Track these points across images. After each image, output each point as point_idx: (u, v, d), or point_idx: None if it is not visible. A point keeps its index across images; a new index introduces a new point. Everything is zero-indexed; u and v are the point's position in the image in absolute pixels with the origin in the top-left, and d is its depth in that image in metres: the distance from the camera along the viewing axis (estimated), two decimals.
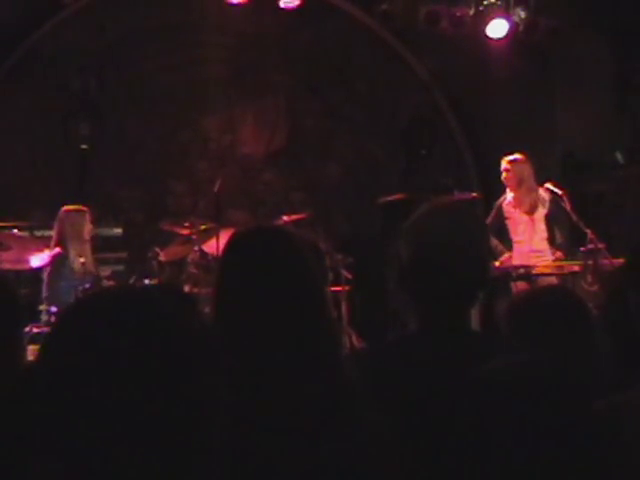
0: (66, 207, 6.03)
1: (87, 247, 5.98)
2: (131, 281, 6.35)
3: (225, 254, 1.81)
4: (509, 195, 6.35)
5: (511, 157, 6.33)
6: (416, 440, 1.80)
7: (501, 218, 6.34)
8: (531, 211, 6.28)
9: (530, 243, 6.27)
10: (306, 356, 1.64)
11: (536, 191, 6.28)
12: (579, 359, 2.29)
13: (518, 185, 6.27)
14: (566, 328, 2.39)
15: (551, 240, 6.27)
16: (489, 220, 6.33)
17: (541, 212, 6.27)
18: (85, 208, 6.08)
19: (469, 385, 1.65)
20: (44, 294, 5.76)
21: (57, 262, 5.82)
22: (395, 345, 2.09)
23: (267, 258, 1.73)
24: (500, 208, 6.37)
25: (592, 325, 2.45)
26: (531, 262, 6.15)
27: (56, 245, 5.89)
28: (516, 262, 6.19)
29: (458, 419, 1.64)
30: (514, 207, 6.31)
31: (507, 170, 6.30)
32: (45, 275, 5.82)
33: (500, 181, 6.50)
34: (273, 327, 1.65)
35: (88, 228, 6.01)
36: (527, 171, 6.30)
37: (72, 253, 5.84)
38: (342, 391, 1.65)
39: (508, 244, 6.31)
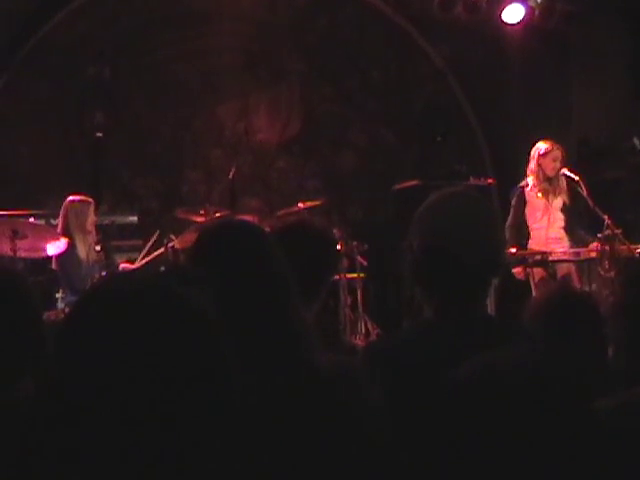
0: (71, 197, 6.07)
1: (90, 237, 6.02)
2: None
3: (191, 250, 1.84)
4: (531, 181, 6.28)
5: (552, 144, 6.23)
6: (429, 430, 1.80)
7: (524, 203, 6.29)
8: (555, 197, 6.24)
9: (548, 230, 6.24)
10: (269, 349, 1.64)
11: None
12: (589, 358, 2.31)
13: (559, 171, 6.21)
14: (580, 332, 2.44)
15: (567, 228, 6.25)
16: (515, 206, 6.29)
17: (559, 200, 6.25)
18: (89, 199, 6.10)
19: (455, 385, 1.67)
20: (62, 281, 5.82)
21: (67, 251, 5.86)
22: (410, 334, 2.09)
23: (229, 253, 1.74)
24: (522, 193, 6.31)
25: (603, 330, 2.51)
26: (549, 249, 6.13)
27: (62, 234, 5.93)
28: (534, 248, 6.18)
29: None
30: (536, 193, 6.25)
31: (557, 158, 6.20)
32: (56, 264, 5.85)
33: (515, 167, 6.47)
34: (237, 323, 1.65)
35: (91, 219, 6.04)
36: None
37: (78, 242, 5.89)
38: (308, 384, 1.65)
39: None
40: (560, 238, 6.25)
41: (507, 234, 6.21)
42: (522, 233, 6.27)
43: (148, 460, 1.03)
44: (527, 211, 6.31)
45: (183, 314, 1.09)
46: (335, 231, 6.49)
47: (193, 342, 1.07)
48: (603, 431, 1.65)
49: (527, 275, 6.04)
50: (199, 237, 1.86)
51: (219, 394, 1.08)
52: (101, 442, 1.03)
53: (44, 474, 1.27)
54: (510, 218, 6.28)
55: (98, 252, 5.94)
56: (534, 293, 5.92)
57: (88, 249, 5.90)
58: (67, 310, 5.46)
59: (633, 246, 5.67)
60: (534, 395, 1.63)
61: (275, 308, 1.71)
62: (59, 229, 5.98)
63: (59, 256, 5.84)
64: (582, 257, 6.03)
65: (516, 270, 6.08)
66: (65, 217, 5.98)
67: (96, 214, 6.18)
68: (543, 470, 1.62)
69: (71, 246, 5.87)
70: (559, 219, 6.27)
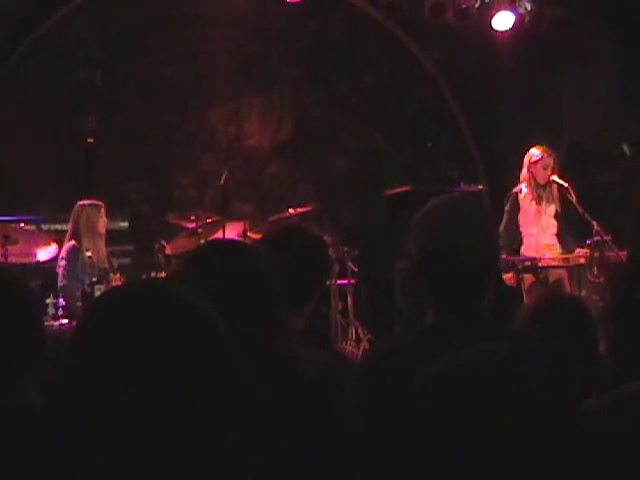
0: (81, 202, 6.07)
1: (100, 241, 6.01)
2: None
3: (183, 269, 1.90)
4: (524, 187, 6.29)
5: (544, 151, 6.21)
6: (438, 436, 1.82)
7: (517, 209, 6.29)
8: (548, 204, 6.25)
9: (539, 237, 6.26)
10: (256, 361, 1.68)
11: None
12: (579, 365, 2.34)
13: (550, 177, 6.20)
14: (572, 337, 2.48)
15: (560, 235, 6.26)
16: (508, 212, 6.29)
17: (553, 207, 6.26)
18: (100, 202, 6.10)
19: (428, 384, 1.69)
20: (60, 283, 5.80)
21: (72, 255, 5.86)
22: (411, 338, 2.11)
23: (220, 274, 1.80)
24: (516, 199, 6.31)
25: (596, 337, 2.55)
26: (541, 255, 6.14)
27: (70, 238, 5.93)
28: (526, 254, 6.20)
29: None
30: (531, 200, 6.26)
31: (548, 166, 6.16)
32: (61, 265, 5.85)
33: (506, 172, 6.48)
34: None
35: (103, 222, 6.04)
36: None
37: (85, 246, 5.88)
38: (292, 389, 1.69)
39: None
40: (552, 245, 6.26)
41: (500, 240, 6.21)
42: (515, 239, 6.28)
43: (157, 460, 1.05)
44: (520, 217, 6.31)
45: (195, 318, 1.11)
46: (326, 237, 6.49)
47: (204, 345, 1.09)
48: (583, 429, 1.68)
49: (519, 281, 6.05)
50: (187, 259, 1.92)
51: (229, 396, 1.10)
52: (110, 444, 1.05)
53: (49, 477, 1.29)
54: (503, 223, 6.29)
55: (90, 257, 5.89)
56: (525, 299, 5.94)
57: (94, 253, 5.86)
58: (61, 314, 5.47)
59: (622, 252, 5.68)
60: (502, 393, 1.65)
61: (264, 320, 1.75)
62: (69, 232, 5.98)
63: (66, 258, 5.83)
64: (571, 263, 6.04)
65: (507, 276, 6.10)
66: (75, 221, 5.97)
67: (107, 217, 6.16)
68: (520, 467, 1.65)
69: (77, 250, 5.86)
70: (552, 226, 6.28)
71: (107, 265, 6.00)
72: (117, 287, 1.29)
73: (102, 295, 1.27)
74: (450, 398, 1.72)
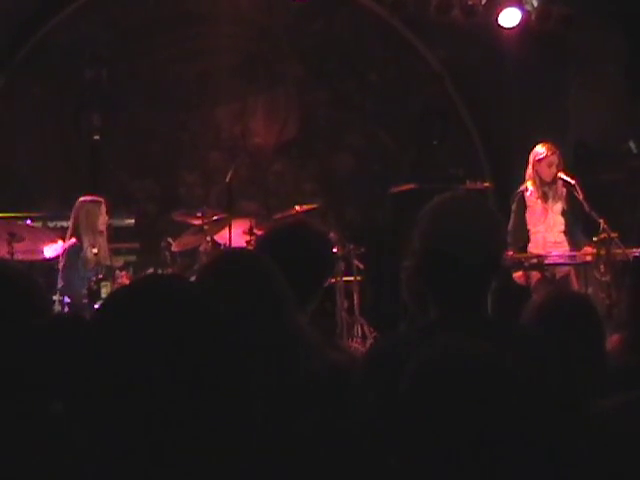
0: (82, 198, 6.06)
1: (101, 238, 6.00)
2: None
3: (201, 275, 2.02)
4: (530, 186, 6.28)
5: (548, 148, 6.20)
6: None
7: (524, 208, 6.28)
8: (555, 202, 6.24)
9: (547, 234, 6.25)
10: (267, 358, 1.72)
11: None
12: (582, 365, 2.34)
13: (557, 174, 6.19)
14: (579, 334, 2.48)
15: (567, 232, 6.25)
16: (515, 210, 6.28)
17: (559, 204, 6.26)
18: (101, 199, 6.09)
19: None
20: (59, 284, 5.80)
21: (71, 253, 5.84)
22: (412, 335, 2.10)
23: (234, 280, 1.88)
24: (522, 197, 6.31)
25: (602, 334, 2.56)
26: (547, 253, 6.14)
27: (71, 235, 5.92)
28: (533, 252, 6.19)
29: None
30: (537, 198, 6.25)
31: (552, 163, 6.17)
32: (60, 266, 5.84)
33: (511, 170, 6.47)
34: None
35: (103, 219, 6.02)
36: None
37: (86, 244, 5.86)
38: (305, 387, 1.73)
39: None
40: (559, 242, 6.25)
41: (508, 238, 6.21)
42: (522, 237, 6.28)
43: (163, 456, 1.05)
44: (527, 215, 6.31)
45: (207, 316, 1.12)
46: (332, 234, 6.49)
47: (216, 343, 1.10)
48: (595, 430, 1.67)
49: (527, 279, 6.05)
50: (206, 266, 2.05)
51: (237, 395, 1.11)
52: (117, 439, 1.05)
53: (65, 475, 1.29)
54: (511, 222, 6.28)
55: (95, 254, 5.89)
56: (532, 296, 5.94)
57: (97, 250, 5.86)
58: (67, 311, 5.47)
59: (628, 250, 5.68)
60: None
61: (274, 321, 1.81)
62: (69, 229, 5.98)
63: (64, 256, 5.83)
64: (578, 260, 6.04)
65: (517, 275, 6.09)
66: (76, 217, 5.97)
67: (108, 214, 6.15)
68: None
69: (77, 247, 5.86)
70: (559, 223, 6.27)
71: (109, 262, 5.99)
72: (131, 283, 1.30)
73: (116, 291, 1.28)
74: (445, 393, 1.71)
